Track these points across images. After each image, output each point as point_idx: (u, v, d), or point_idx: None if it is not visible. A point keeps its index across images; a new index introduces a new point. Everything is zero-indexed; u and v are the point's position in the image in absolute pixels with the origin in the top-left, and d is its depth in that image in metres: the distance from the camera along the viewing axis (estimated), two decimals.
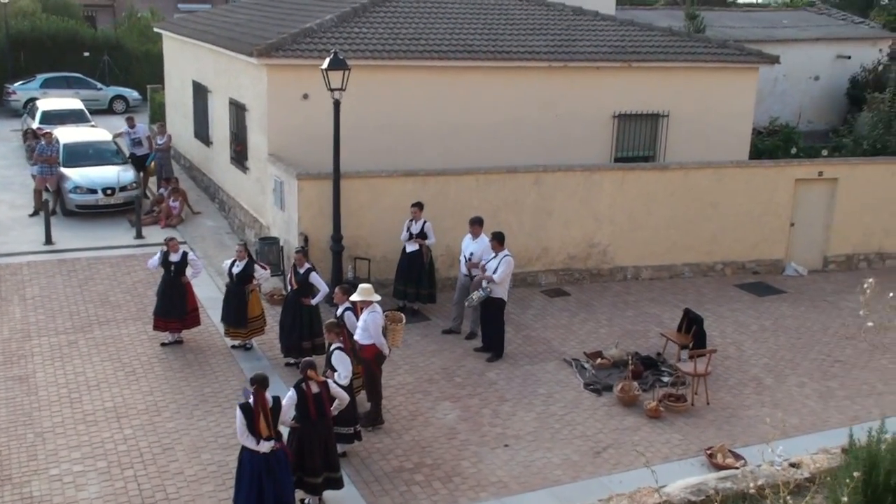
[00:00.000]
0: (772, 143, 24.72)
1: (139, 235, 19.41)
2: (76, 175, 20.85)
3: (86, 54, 37.50)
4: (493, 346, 14.17)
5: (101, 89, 35.23)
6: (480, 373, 13.66)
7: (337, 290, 12.34)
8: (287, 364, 13.51)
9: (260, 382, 9.33)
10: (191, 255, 14.48)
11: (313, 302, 13.42)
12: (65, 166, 21.06)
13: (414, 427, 11.98)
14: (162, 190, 21.49)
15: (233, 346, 14.17)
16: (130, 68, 38.14)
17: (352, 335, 11.57)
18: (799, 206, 18.70)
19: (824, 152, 23.58)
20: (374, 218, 16.12)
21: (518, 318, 15.68)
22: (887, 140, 24.25)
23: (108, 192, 20.67)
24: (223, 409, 12.13)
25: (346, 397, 10.20)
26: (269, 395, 9.42)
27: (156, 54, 33.46)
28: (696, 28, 28.42)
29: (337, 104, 14.81)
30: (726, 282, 18.28)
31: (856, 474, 6.67)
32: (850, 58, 29.93)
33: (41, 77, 34.26)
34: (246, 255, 13.90)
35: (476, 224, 14.70)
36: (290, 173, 16.15)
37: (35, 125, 24.96)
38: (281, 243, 16.69)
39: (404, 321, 12.57)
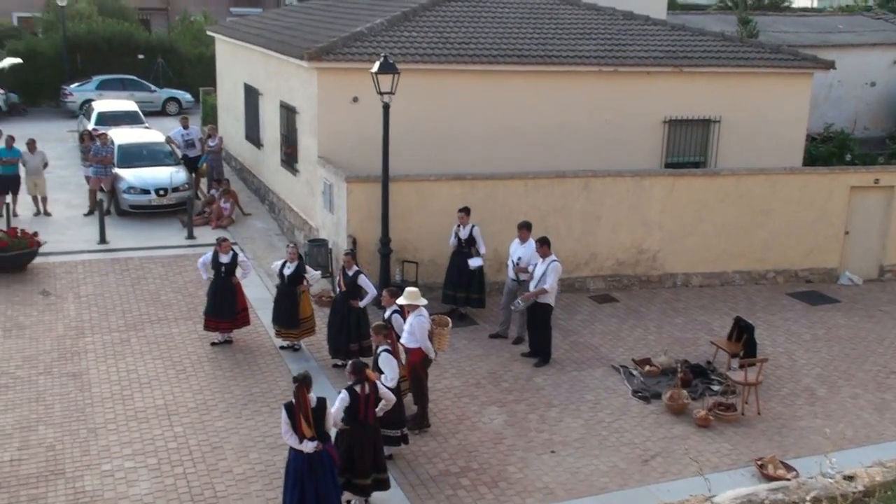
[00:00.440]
0: (826, 150, 24.34)
1: (190, 236, 19.67)
2: (130, 176, 21.19)
3: (140, 57, 38.15)
4: (541, 351, 14.11)
5: (154, 91, 35.80)
6: (527, 378, 13.61)
7: (385, 292, 12.37)
8: (335, 365, 13.58)
9: (303, 381, 9.36)
10: (241, 256, 14.65)
11: (361, 304, 13.48)
12: (119, 167, 21.42)
13: (460, 431, 11.97)
14: (213, 191, 21.75)
15: (281, 347, 14.29)
16: (183, 71, 38.70)
17: (399, 338, 11.59)
18: (854, 213, 18.36)
19: (880, 159, 23.15)
20: (422, 221, 16.16)
21: (566, 323, 15.61)
22: None
23: (161, 192, 20.99)
24: (271, 409, 12.23)
25: (392, 398, 10.22)
26: (313, 395, 9.46)
27: (208, 57, 33.93)
28: (749, 33, 28.09)
29: (386, 108, 14.88)
30: (778, 290, 18.00)
31: None
32: None
33: (97, 79, 34.91)
34: (297, 256, 14.01)
35: (524, 228, 14.67)
36: (339, 176, 16.25)
37: (90, 126, 25.42)
38: (330, 245, 16.81)
39: (450, 325, 12.57)
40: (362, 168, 16.63)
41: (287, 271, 13.85)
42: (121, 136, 23.03)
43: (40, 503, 10.11)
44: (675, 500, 8.18)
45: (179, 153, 23.16)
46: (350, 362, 10.11)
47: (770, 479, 10.44)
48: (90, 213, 20.95)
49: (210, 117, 29.27)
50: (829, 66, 20.84)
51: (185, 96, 36.27)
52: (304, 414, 9.29)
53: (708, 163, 19.99)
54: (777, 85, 20.13)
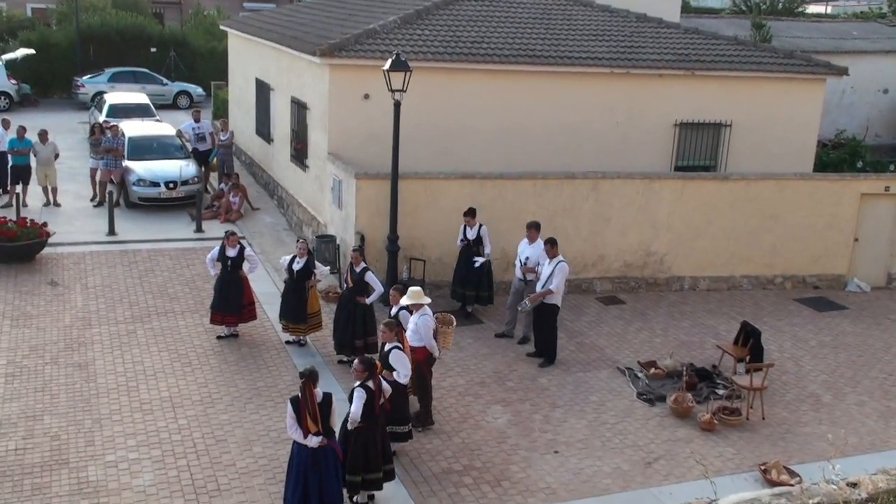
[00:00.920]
0: (837, 157, 24.26)
1: (199, 229, 19.71)
2: (140, 168, 21.25)
3: (153, 50, 38.26)
4: (546, 351, 14.10)
5: (166, 85, 35.89)
6: (532, 378, 13.61)
7: (392, 290, 12.37)
8: (340, 361, 13.60)
9: (309, 376, 9.37)
10: (248, 251, 14.67)
11: (368, 301, 13.48)
12: (129, 159, 21.48)
13: (464, 429, 11.97)
14: (223, 185, 21.79)
15: (287, 342, 14.30)
16: (195, 65, 38.79)
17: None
18: (864, 220, 18.28)
19: (892, 167, 23.06)
20: (430, 219, 16.16)
21: (572, 324, 15.59)
22: None
23: (171, 185, 21.04)
24: (275, 404, 12.24)
25: (388, 389, 10.21)
26: (319, 390, 9.47)
27: (220, 51, 34.00)
28: (763, 38, 28.01)
29: (397, 105, 14.90)
30: (786, 295, 17.96)
31: None
32: None
33: (109, 71, 35.02)
34: (307, 251, 14.03)
35: (533, 228, 14.66)
36: (348, 172, 16.26)
37: (102, 118, 25.48)
38: (337, 241, 16.82)
39: (454, 324, 12.58)
40: (372, 165, 16.65)
41: (297, 266, 13.86)
42: (132, 128, 23.09)
43: (44, 492, 10.14)
44: (678, 503, 8.16)
45: (190, 147, 23.22)
46: (357, 359, 10.11)
47: (773, 484, 10.41)
48: (99, 204, 21.00)
49: (221, 111, 29.33)
50: (843, 72, 20.77)
51: (196, 90, 36.35)
52: (311, 409, 9.30)
53: (718, 167, 19.95)
54: (789, 90, 20.07)
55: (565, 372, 13.84)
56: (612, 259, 17.34)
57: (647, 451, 11.64)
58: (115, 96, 28.66)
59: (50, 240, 17.78)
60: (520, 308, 14.35)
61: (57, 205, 21.02)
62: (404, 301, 11.76)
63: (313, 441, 9.31)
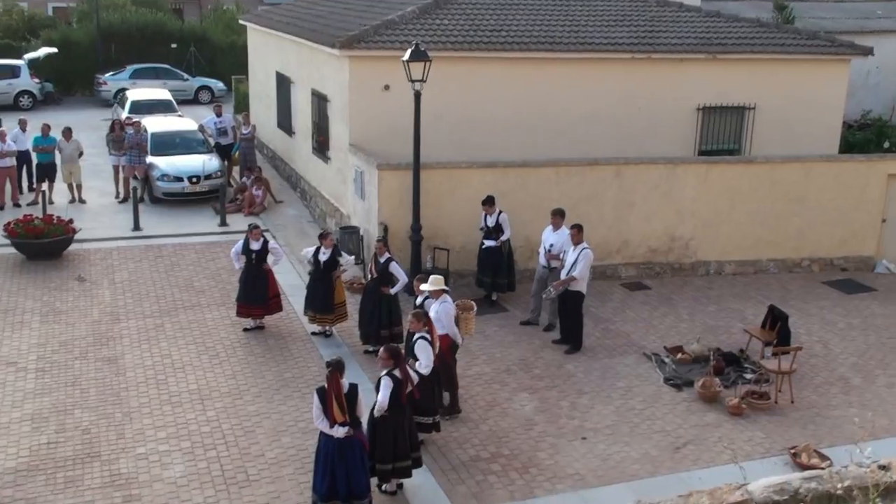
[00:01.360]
0: (863, 137, 23.98)
1: (223, 223, 19.81)
2: (163, 163, 21.38)
3: (173, 46, 38.42)
4: (572, 338, 14.07)
5: (187, 80, 36.05)
6: (558, 365, 13.59)
7: (416, 280, 12.39)
8: (366, 352, 13.64)
9: (336, 366, 9.42)
10: (272, 244, 14.72)
11: (392, 291, 13.51)
12: (152, 155, 21.61)
13: (491, 417, 11.98)
14: (245, 179, 21.88)
15: (313, 333, 14.36)
16: (216, 59, 38.94)
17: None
18: (892, 202, 18.08)
19: None
20: (453, 208, 16.15)
21: (597, 310, 15.54)
22: None
23: (194, 180, 21.15)
24: (303, 395, 12.30)
25: (416, 378, 10.23)
26: (345, 381, 9.51)
27: (240, 46, 34.07)
28: (785, 19, 27.71)
29: (418, 95, 14.89)
30: (813, 278, 17.81)
31: None
32: None
33: (131, 68, 35.22)
34: (332, 243, 14.08)
35: (557, 215, 14.62)
36: (370, 163, 16.28)
37: (125, 115, 25.63)
38: (361, 232, 16.85)
39: (475, 309, 12.58)
40: (393, 155, 16.64)
41: (323, 257, 13.90)
42: (154, 124, 23.22)
43: (77, 485, 10.26)
44: (707, 487, 8.09)
45: (212, 141, 23.32)
46: (383, 347, 10.15)
47: (803, 467, 10.34)
48: (124, 199, 21.16)
49: (242, 105, 29.43)
50: (867, 52, 20.51)
51: (217, 85, 36.48)
52: (338, 399, 9.34)
53: (742, 150, 19.79)
54: (813, 72, 19.87)
55: (591, 358, 13.81)
56: (637, 245, 17.26)
57: (675, 437, 11.61)
58: (137, 93, 28.83)
59: (76, 236, 17.94)
60: (545, 295, 14.32)
61: (82, 201, 21.20)
62: (426, 287, 11.78)
63: (340, 431, 9.34)
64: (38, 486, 10.23)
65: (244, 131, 23.09)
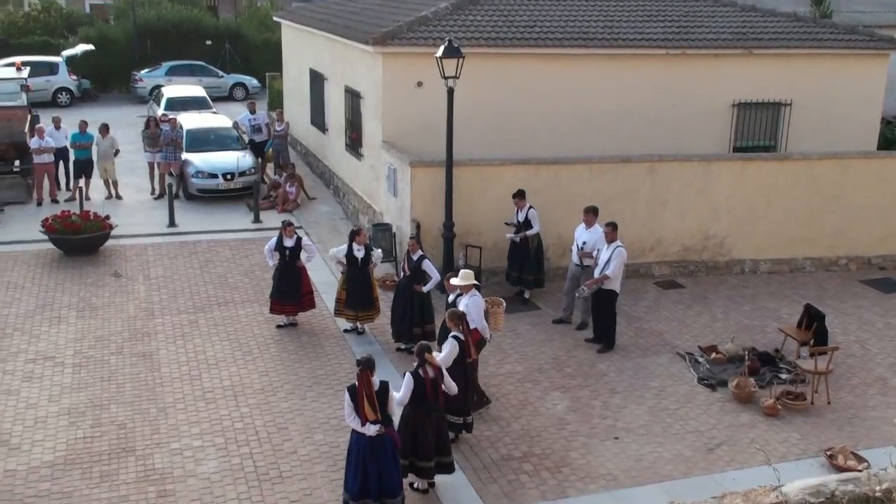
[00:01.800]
0: None
1: (257, 220, 19.93)
2: (198, 160, 21.55)
3: (208, 43, 38.71)
4: (604, 336, 14.00)
5: (222, 77, 36.32)
6: (591, 364, 13.52)
7: (448, 277, 12.39)
8: (398, 349, 13.66)
9: (366, 364, 9.44)
10: (305, 240, 14.79)
11: (425, 289, 13.52)
12: (187, 151, 21.78)
13: (523, 416, 11.95)
14: (279, 176, 22.00)
15: (345, 330, 14.41)
16: (250, 56, 39.18)
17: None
18: None
19: None
20: (485, 206, 16.12)
21: (630, 309, 15.44)
22: None
23: (228, 177, 21.30)
24: (335, 392, 12.35)
25: (454, 389, 10.21)
26: (376, 378, 9.53)
27: (274, 43, 34.27)
28: (823, 13, 27.37)
29: (451, 92, 14.87)
30: (850, 277, 17.56)
31: None
32: None
33: (166, 65, 35.55)
34: (366, 239, 14.13)
35: (590, 213, 14.55)
36: (403, 160, 16.29)
37: (160, 111, 25.87)
38: (393, 230, 16.88)
39: (504, 305, 12.54)
40: (426, 152, 16.65)
41: (359, 254, 13.92)
42: (189, 121, 23.40)
43: (112, 479, 10.38)
44: (742, 489, 8.02)
45: (246, 138, 23.47)
46: (417, 345, 10.20)
47: (840, 469, 10.21)
48: (159, 196, 21.36)
49: (276, 102, 29.58)
50: None
51: (251, 82, 36.72)
52: (368, 397, 9.36)
53: (778, 147, 19.56)
54: (851, 67, 19.57)
55: (624, 357, 13.73)
56: (671, 243, 17.12)
57: (708, 437, 11.51)
58: (172, 89, 29.05)
59: (113, 232, 18.13)
60: (577, 294, 14.26)
61: (119, 198, 21.43)
62: (455, 282, 11.80)
63: (371, 429, 9.37)
64: (75, 479, 10.36)
65: (278, 128, 23.21)
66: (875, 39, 19.92)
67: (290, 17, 26.54)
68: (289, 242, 14.38)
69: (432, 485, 10.24)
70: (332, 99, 21.80)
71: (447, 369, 10.32)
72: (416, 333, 13.29)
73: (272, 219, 19.64)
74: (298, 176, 21.65)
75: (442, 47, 14.73)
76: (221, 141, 22.63)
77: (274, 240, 14.52)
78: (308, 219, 20.23)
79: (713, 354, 13.58)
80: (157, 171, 21.81)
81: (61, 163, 21.55)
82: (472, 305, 11.58)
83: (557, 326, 14.77)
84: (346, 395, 9.48)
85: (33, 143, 20.74)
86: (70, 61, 34.31)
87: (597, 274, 13.80)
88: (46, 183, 21.02)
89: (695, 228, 17.12)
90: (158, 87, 31.58)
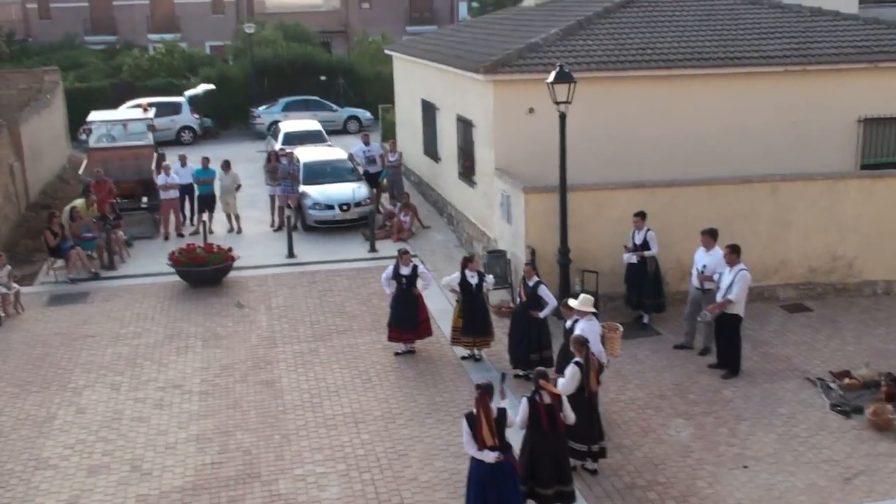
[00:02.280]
0: None
1: (373, 249, 20.22)
2: (315, 192, 22.04)
3: (322, 78, 39.67)
4: (729, 362, 13.57)
5: (336, 111, 37.14)
6: (715, 390, 13.12)
7: (564, 303, 12.26)
8: (516, 376, 13.56)
9: (485, 389, 9.42)
10: (421, 268, 14.89)
11: (542, 315, 13.41)
12: (304, 184, 22.30)
13: (645, 444, 11.67)
14: (393, 205, 22.28)
15: (463, 358, 14.41)
16: (363, 90, 39.96)
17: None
18: None
19: None
20: (600, 230, 15.92)
21: (755, 333, 14.94)
22: None
23: (345, 207, 21.70)
24: (454, 419, 12.32)
25: (570, 417, 10.05)
26: (494, 405, 9.48)
27: (386, 75, 34.87)
28: None
29: (563, 117, 14.80)
30: None
31: None
32: None
33: (283, 101, 36.60)
34: (478, 265, 14.18)
35: (709, 235, 14.17)
36: (516, 187, 16.27)
37: (278, 146, 26.60)
38: (508, 256, 16.84)
39: (621, 330, 12.31)
40: (539, 178, 16.57)
41: (473, 280, 13.97)
42: (306, 154, 23.98)
43: None
44: None
45: (361, 169, 23.89)
46: (534, 371, 10.13)
47: None
48: (278, 228, 21.91)
49: (389, 133, 30.05)
50: None
51: (364, 114, 37.42)
52: (487, 423, 9.32)
53: None
54: None
55: (750, 383, 13.27)
56: (796, 265, 16.53)
57: (844, 467, 10.98)
58: (289, 124, 29.84)
59: (235, 264, 18.67)
60: (699, 319, 13.90)
61: (239, 231, 22.06)
62: (572, 304, 11.70)
63: (489, 456, 9.31)
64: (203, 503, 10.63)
65: (391, 158, 23.56)
66: None
67: (401, 49, 27.00)
68: (405, 270, 14.51)
69: None
70: (444, 128, 22.00)
71: (569, 396, 10.17)
72: (534, 359, 13.18)
73: (388, 248, 19.89)
74: (412, 205, 21.89)
75: (553, 73, 14.69)
76: (337, 173, 23.10)
77: (391, 268, 14.68)
78: (423, 247, 20.40)
79: (846, 380, 12.98)
80: (276, 204, 22.39)
81: (186, 198, 22.36)
82: (588, 330, 11.41)
83: (679, 352, 14.41)
84: (464, 422, 9.46)
85: (160, 179, 21.63)
86: (192, 101, 35.73)
87: (719, 298, 13.42)
88: (172, 218, 21.84)
89: (821, 249, 16.48)
90: (276, 122, 32.49)
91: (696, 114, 17.90)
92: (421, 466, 11.29)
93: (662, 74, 17.68)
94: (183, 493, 10.87)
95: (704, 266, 14.05)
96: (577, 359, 10.63)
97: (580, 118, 16.40)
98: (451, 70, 20.07)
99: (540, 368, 10.38)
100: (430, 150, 23.59)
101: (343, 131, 36.07)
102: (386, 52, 30.24)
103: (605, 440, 11.21)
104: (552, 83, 14.63)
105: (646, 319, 15.44)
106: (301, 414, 12.78)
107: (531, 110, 17.21)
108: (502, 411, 9.54)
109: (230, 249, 18.79)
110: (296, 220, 21.85)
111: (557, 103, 14.71)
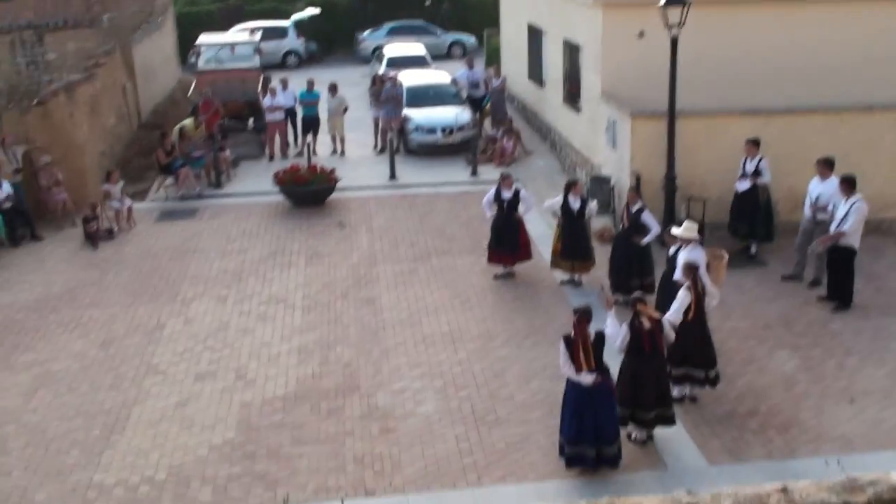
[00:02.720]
0: None
1: (474, 173, 20.13)
2: (418, 116, 21.98)
3: (427, 3, 39.30)
4: (840, 294, 13.08)
5: (440, 36, 36.79)
6: (823, 323, 12.71)
7: (669, 229, 11.99)
8: (616, 302, 13.34)
9: (583, 313, 9.33)
10: (523, 192, 14.75)
11: (644, 241, 13.17)
12: (407, 108, 22.26)
13: (748, 373, 11.42)
14: (496, 130, 22.07)
15: (562, 282, 14.31)
16: (467, 15, 39.45)
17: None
18: None
19: None
20: (709, 158, 15.44)
21: (869, 267, 14.31)
22: None
23: (447, 132, 21.60)
24: (551, 342, 12.22)
25: (670, 337, 9.90)
26: (592, 329, 9.39)
27: (491, 0, 34.29)
28: None
29: (674, 41, 14.30)
30: None
31: None
32: None
33: (387, 26, 36.43)
34: (581, 190, 13.97)
35: (824, 165, 13.59)
36: (623, 112, 15.89)
37: (381, 70, 26.56)
38: (612, 182, 16.53)
39: (726, 258, 11.94)
40: (646, 104, 16.09)
41: (575, 205, 13.81)
42: (409, 78, 23.88)
43: (338, 415, 10.85)
44: None
45: (464, 94, 23.69)
46: (631, 297, 10.00)
47: None
48: (381, 150, 22.00)
49: (493, 59, 29.64)
50: None
51: (469, 40, 36.97)
52: (584, 346, 9.26)
53: None
54: None
55: (862, 317, 12.80)
56: None
57: None
58: (393, 49, 29.74)
59: (338, 185, 18.86)
60: (810, 250, 13.42)
61: (342, 154, 22.23)
62: (675, 232, 11.41)
63: (586, 379, 9.27)
64: (305, 413, 10.92)
65: (495, 83, 23.27)
66: None
67: None
68: (507, 194, 14.39)
69: (651, 437, 10.01)
70: (549, 53, 21.56)
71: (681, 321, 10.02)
72: (635, 285, 12.95)
73: (490, 172, 19.75)
74: (516, 130, 21.64)
75: None
76: (440, 97, 22.95)
77: (492, 192, 14.58)
78: (525, 173, 20.18)
79: None
80: (380, 127, 22.45)
81: (289, 120, 22.60)
82: (691, 258, 11.14)
83: (787, 283, 13.98)
84: (562, 345, 9.41)
85: (266, 101, 21.90)
86: (298, 25, 35.90)
87: (833, 229, 12.91)
88: (278, 139, 22.14)
89: None
90: (380, 47, 32.41)
91: (816, 38, 17.04)
92: (517, 386, 11.33)
93: None
94: (285, 401, 11.19)
95: (818, 196, 13.51)
96: (686, 283, 10.40)
97: (692, 42, 15.73)
98: None
99: (637, 293, 10.23)
100: (535, 75, 23.19)
101: (447, 56, 35.75)
102: None
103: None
104: (664, 6, 14.11)
105: (753, 250, 14.99)
106: (400, 331, 12.94)
107: (641, 34, 16.67)
108: (600, 335, 9.46)
109: (333, 171, 18.96)
110: (398, 143, 21.88)
111: (669, 27, 14.20)
